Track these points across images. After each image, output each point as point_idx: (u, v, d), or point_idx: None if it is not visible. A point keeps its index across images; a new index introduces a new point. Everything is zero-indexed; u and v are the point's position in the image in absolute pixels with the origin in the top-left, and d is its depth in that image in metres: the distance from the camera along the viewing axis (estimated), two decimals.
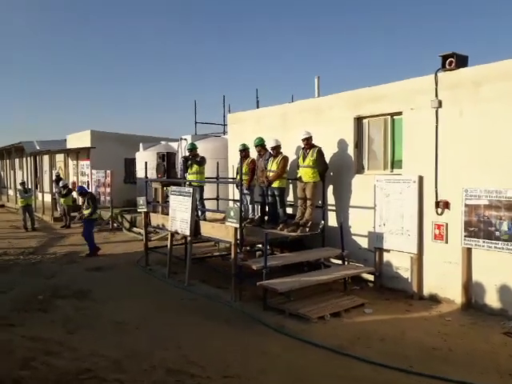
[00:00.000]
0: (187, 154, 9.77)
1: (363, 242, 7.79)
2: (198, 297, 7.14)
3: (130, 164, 18.67)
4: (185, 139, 14.02)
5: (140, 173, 16.07)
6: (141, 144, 17.05)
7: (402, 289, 7.17)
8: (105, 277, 8.57)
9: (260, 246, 8.90)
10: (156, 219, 9.42)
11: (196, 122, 17.67)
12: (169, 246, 8.64)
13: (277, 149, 8.39)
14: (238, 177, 9.09)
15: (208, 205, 10.24)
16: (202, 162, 9.63)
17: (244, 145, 9.16)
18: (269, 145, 8.62)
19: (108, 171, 15.73)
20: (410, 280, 7.08)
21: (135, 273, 8.89)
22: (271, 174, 8.30)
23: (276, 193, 8.34)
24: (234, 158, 10.22)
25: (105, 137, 18.62)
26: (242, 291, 6.98)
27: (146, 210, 9.50)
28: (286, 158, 8.36)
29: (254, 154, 9.19)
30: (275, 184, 8.28)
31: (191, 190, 7.96)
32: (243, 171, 8.47)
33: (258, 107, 14.65)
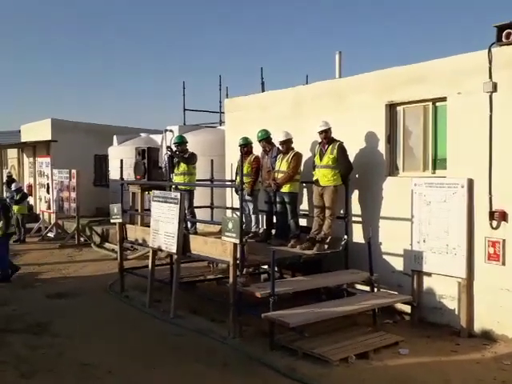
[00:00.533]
0: (174, 148, 9.79)
1: (397, 263, 7.77)
2: (186, 332, 7.13)
3: (102, 162, 18.73)
4: (170, 131, 14.03)
5: (114, 173, 16.09)
6: (115, 137, 17.12)
7: (447, 323, 7.13)
8: (69, 306, 8.57)
9: (266, 267, 8.89)
10: (134, 232, 9.43)
11: (185, 109, 17.81)
12: (150, 266, 8.65)
13: (287, 144, 8.40)
14: (238, 179, 9.13)
15: (199, 214, 10.24)
16: (191, 159, 9.64)
17: (245, 138, 9.17)
18: (276, 139, 8.62)
19: (73, 171, 15.76)
20: (456, 312, 7.05)
21: (107, 301, 8.89)
22: (280, 176, 8.31)
23: (286, 199, 8.34)
24: (232, 155, 10.23)
25: (69, 127, 18.71)
26: (242, 325, 6.96)
27: (121, 220, 9.53)
28: (298, 156, 8.37)
29: (257, 149, 9.20)
30: (285, 188, 8.28)
31: (179, 195, 7.96)
32: (244, 172, 8.46)
33: (263, 91, 14.74)
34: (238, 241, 6.86)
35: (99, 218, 16.85)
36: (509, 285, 6.54)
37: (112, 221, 9.78)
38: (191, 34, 51.73)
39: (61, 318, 7.77)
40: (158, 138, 16.12)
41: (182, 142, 9.82)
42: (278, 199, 8.48)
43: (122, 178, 9.93)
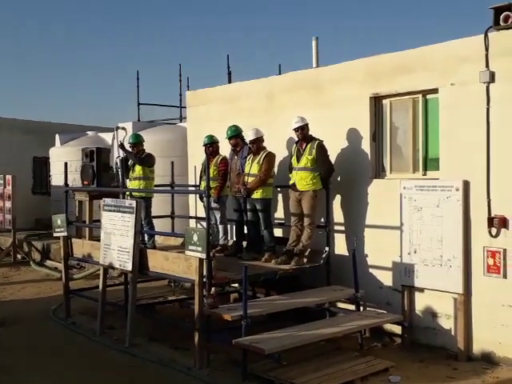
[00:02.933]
0: (127, 147, 9.69)
1: (385, 278, 7.82)
2: (145, 363, 7.07)
3: (43, 165, 18.42)
4: (123, 128, 13.69)
5: (56, 179, 15.87)
6: (57, 136, 16.89)
7: (442, 345, 7.20)
8: (6, 335, 8.42)
9: (236, 285, 8.85)
10: (81, 248, 9.31)
11: (139, 103, 17.62)
12: (101, 287, 8.54)
13: (257, 143, 8.42)
14: (203, 183, 9.10)
15: (158, 225, 10.16)
16: (147, 160, 9.54)
17: (211, 137, 9.17)
18: (246, 138, 8.63)
19: (8, 176, 15.48)
20: (453, 332, 7.13)
21: (51, 328, 8.77)
22: (251, 180, 8.31)
23: (258, 207, 8.35)
24: (196, 156, 10.20)
25: (3, 125, 18.34)
26: (210, 353, 6.94)
27: (66, 234, 9.38)
28: (271, 156, 8.40)
29: (224, 150, 9.18)
30: (257, 194, 8.30)
31: (134, 203, 7.88)
32: (210, 175, 8.40)
33: (229, 82, 14.71)
34: (204, 255, 6.81)
35: (39, 231, 16.56)
36: (511, 300, 6.65)
37: (55, 234, 9.62)
38: (145, 14, 51.24)
39: None
40: (107, 136, 15.92)
41: (138, 141, 9.72)
42: (248, 206, 8.48)
43: (66, 184, 9.76)
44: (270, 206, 8.48)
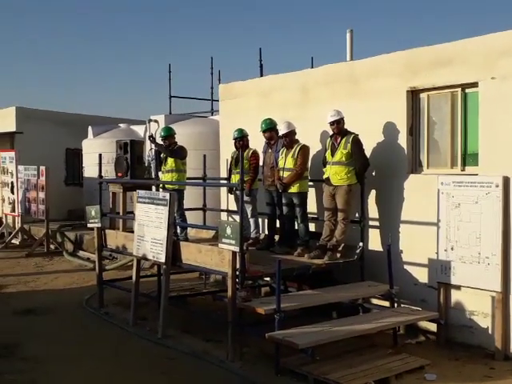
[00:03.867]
0: (160, 142, 9.76)
1: (421, 275, 7.76)
2: (178, 355, 7.11)
3: (75, 157, 18.64)
4: (155, 121, 13.94)
5: (89, 170, 16.07)
6: (90, 128, 17.05)
7: (479, 344, 7.12)
8: (40, 324, 8.51)
9: (268, 279, 8.86)
10: (115, 239, 9.41)
11: (171, 96, 17.74)
12: (134, 278, 8.62)
13: (289, 136, 8.38)
14: (234, 177, 9.12)
15: (190, 218, 10.21)
16: (179, 153, 9.60)
17: (241, 130, 9.19)
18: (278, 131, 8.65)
19: (42, 168, 15.68)
20: (490, 331, 7.04)
21: (84, 318, 8.86)
22: (286, 174, 8.28)
23: (295, 201, 8.34)
24: (228, 150, 10.20)
25: (37, 117, 18.60)
26: (243, 346, 6.96)
27: (99, 225, 9.49)
28: (305, 149, 8.36)
29: (255, 143, 9.17)
30: (293, 188, 8.27)
31: (168, 195, 7.92)
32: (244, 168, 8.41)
33: (261, 75, 14.71)
34: (237, 249, 6.84)
35: (72, 222, 16.80)
36: None
37: (89, 225, 9.74)
38: (178, 8, 51.49)
39: (31, 339, 7.72)
40: (140, 129, 16.06)
41: (169, 134, 9.77)
42: (284, 201, 8.47)
43: (100, 176, 9.90)
44: (306, 200, 8.46)
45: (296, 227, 8.52)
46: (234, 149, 9.31)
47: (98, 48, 52.02)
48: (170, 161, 9.59)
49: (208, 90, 17.85)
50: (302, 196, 8.35)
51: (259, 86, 10.33)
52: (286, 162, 8.35)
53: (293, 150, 8.35)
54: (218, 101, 11.98)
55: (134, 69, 54.12)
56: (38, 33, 51.10)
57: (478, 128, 7.24)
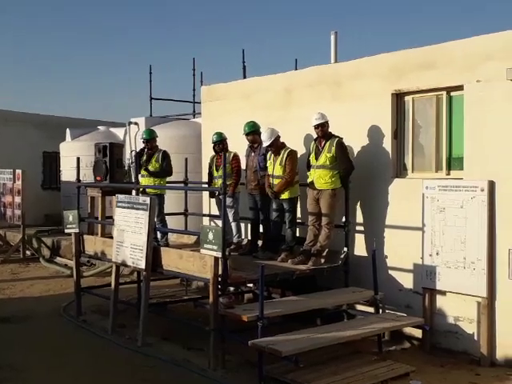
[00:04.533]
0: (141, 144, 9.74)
1: (406, 280, 7.79)
2: (158, 363, 7.08)
3: (52, 160, 18.51)
4: (135, 123, 13.99)
5: (67, 174, 15.94)
6: (68, 130, 16.94)
7: (464, 350, 7.16)
8: (15, 333, 8.43)
9: (251, 285, 8.84)
10: (93, 245, 9.35)
11: (152, 98, 17.67)
12: (113, 285, 8.56)
13: (274, 144, 8.28)
14: (218, 181, 9.09)
15: (171, 223, 10.17)
16: (163, 158, 9.59)
17: (220, 134, 9.19)
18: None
19: (18, 171, 15.55)
20: (475, 337, 7.08)
21: (61, 326, 8.80)
22: (276, 182, 8.26)
23: (286, 206, 8.33)
24: (210, 153, 10.15)
25: (11, 118, 18.47)
26: (225, 354, 6.93)
27: (77, 230, 9.42)
28: (293, 155, 8.29)
29: (239, 146, 9.17)
30: (285, 195, 8.25)
31: (148, 200, 7.89)
32: (221, 173, 8.39)
33: (244, 77, 14.72)
34: (219, 254, 6.81)
35: (49, 227, 16.64)
36: None
37: (67, 230, 9.66)
38: (159, 7, 51.34)
39: (7, 348, 7.66)
40: (119, 132, 16.00)
41: (151, 137, 9.79)
42: (274, 206, 8.48)
43: (78, 180, 9.81)
44: (296, 204, 8.44)
45: (283, 232, 8.51)
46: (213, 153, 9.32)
47: (77, 48, 51.71)
48: (153, 164, 9.58)
49: (190, 91, 17.86)
50: (293, 201, 8.34)
51: (242, 87, 10.33)
52: (275, 168, 8.29)
53: (280, 156, 8.27)
54: (200, 103, 11.98)
55: (113, 70, 53.87)
56: (13, 32, 50.64)
57: (464, 131, 7.29)
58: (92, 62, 51.53)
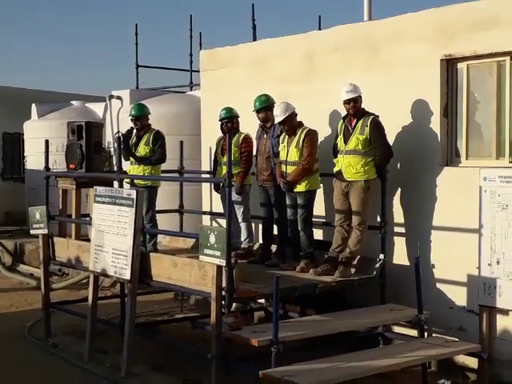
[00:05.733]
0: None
1: (458, 296, 7.80)
2: None
3: (14, 144, 18.63)
4: (118, 97, 13.99)
5: (33, 161, 16.01)
6: (34, 106, 17.01)
7: None
8: None
9: (263, 301, 8.85)
10: (65, 249, 9.39)
11: (138, 66, 17.71)
12: (90, 300, 8.60)
13: (288, 122, 8.29)
14: (223, 169, 9.08)
15: (163, 223, 10.20)
16: (155, 139, 9.64)
17: (229, 110, 9.21)
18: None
19: None
20: None
21: (26, 352, 8.84)
22: (291, 170, 8.28)
23: (300, 201, 8.32)
24: (212, 134, 10.20)
25: None
26: None
27: (46, 231, 9.46)
28: (312, 135, 8.32)
29: (248, 126, 9.17)
30: (300, 187, 8.23)
31: (134, 193, 7.89)
32: (232, 158, 8.38)
33: (254, 39, 14.65)
34: (223, 262, 6.83)
35: (10, 227, 16.73)
36: None
37: (32, 232, 9.72)
38: None
39: None
40: (98, 108, 16.05)
41: (142, 114, 9.81)
42: (288, 201, 8.46)
43: (47, 168, 9.85)
44: (313, 199, 8.42)
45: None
46: (221, 133, 9.30)
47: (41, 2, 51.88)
48: (142, 148, 9.60)
49: (186, 57, 17.86)
50: (310, 195, 8.31)
51: (252, 52, 10.33)
52: (289, 153, 8.30)
53: (296, 137, 8.29)
54: (198, 72, 11.98)
55: (89, 31, 53.97)
56: None
57: None
58: (62, 20, 51.68)
